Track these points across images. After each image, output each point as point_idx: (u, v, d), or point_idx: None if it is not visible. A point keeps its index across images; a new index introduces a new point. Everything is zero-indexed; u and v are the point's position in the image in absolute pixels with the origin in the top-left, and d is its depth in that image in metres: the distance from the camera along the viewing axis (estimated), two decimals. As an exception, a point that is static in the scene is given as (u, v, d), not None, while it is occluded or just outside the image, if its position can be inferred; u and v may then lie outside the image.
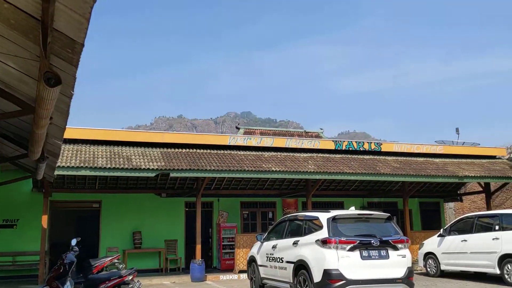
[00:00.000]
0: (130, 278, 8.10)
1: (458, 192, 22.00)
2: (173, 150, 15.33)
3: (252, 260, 11.67)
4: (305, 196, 16.85)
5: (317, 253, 8.61)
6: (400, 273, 8.54)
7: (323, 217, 9.03)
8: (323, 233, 8.68)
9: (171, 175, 13.72)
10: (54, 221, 16.73)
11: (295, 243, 9.48)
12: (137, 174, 13.39)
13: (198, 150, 15.66)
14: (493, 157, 20.13)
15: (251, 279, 11.66)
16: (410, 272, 8.66)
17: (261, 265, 11.04)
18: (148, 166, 13.35)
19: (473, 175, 17.10)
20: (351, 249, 8.38)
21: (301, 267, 9.02)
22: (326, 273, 8.26)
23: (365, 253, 8.45)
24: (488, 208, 18.74)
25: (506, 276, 11.63)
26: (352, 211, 9.75)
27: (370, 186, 19.46)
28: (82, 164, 12.78)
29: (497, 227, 12.24)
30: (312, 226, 9.31)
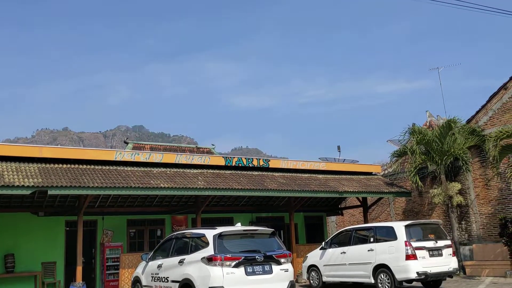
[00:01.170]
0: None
1: (339, 206, 23.39)
2: (52, 165, 14.32)
3: (136, 281, 11.33)
4: (195, 212, 16.73)
5: (202, 271, 8.62)
6: (282, 287, 8.87)
7: (209, 234, 9.06)
8: (209, 251, 8.73)
9: (49, 192, 12.77)
10: None
11: (181, 262, 9.37)
12: (9, 192, 12.24)
13: (80, 166, 14.80)
14: (370, 173, 21.76)
15: None
16: (292, 285, 9.06)
17: (145, 286, 10.77)
18: (22, 183, 12.29)
19: (351, 190, 18.29)
20: (236, 265, 8.53)
21: (186, 286, 8.97)
22: None
23: (249, 269, 8.63)
24: (365, 221, 20.15)
25: (380, 285, 12.51)
26: (238, 227, 9.89)
27: (258, 202, 19.90)
28: None
29: (372, 239, 13.17)
30: (199, 243, 9.29)
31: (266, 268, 8.82)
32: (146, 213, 17.92)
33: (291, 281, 9.07)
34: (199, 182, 15.49)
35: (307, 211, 21.80)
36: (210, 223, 18.25)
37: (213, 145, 26.44)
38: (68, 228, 16.41)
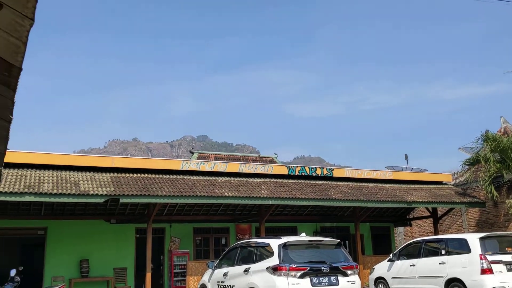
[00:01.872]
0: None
1: (408, 216, 22.59)
2: (123, 175, 14.98)
3: None
4: (259, 221, 16.81)
5: (267, 281, 8.59)
6: None
7: (274, 243, 9.03)
8: (274, 260, 8.69)
9: (121, 201, 13.36)
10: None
11: (246, 271, 9.40)
12: (84, 200, 12.96)
13: (149, 175, 15.37)
14: (440, 182, 20.87)
15: None
16: None
17: None
18: (96, 192, 12.96)
19: (420, 200, 17.62)
20: (302, 276, 8.43)
21: None
22: None
23: (315, 280, 8.50)
24: (436, 233, 19.31)
25: (452, 300, 11.91)
26: (303, 237, 9.82)
27: (322, 211, 19.67)
28: (26, 190, 12.25)
29: (443, 252, 12.58)
30: (264, 252, 9.29)
31: (332, 280, 8.65)
32: (211, 221, 18.25)
33: None
34: (263, 191, 15.56)
35: (373, 221, 21.24)
36: (273, 232, 18.26)
37: (275, 154, 26.45)
38: (138, 235, 17.03)
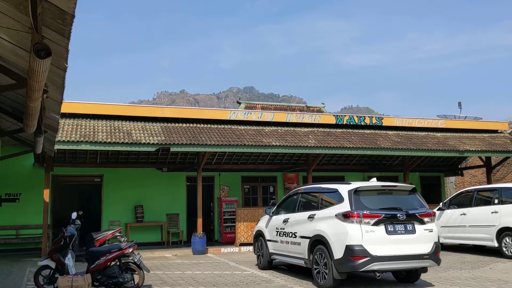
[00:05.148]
0: (130, 250, 8.18)
1: (459, 166, 22.02)
2: (173, 124, 15.33)
3: (259, 235, 11.03)
4: (306, 170, 16.90)
5: (337, 228, 8.01)
6: (427, 248, 8.02)
7: (343, 189, 8.40)
8: (344, 207, 8.06)
9: (172, 149, 13.74)
10: (57, 195, 16.90)
11: (310, 217, 8.85)
12: (137, 149, 13.42)
13: (198, 125, 15.65)
14: (495, 131, 20.06)
15: (258, 254, 11.05)
16: (437, 247, 8.15)
17: (269, 240, 10.46)
18: (148, 141, 13.36)
19: (474, 149, 17.07)
20: (376, 224, 7.82)
21: (318, 242, 8.43)
22: (349, 249, 7.70)
23: (390, 228, 7.89)
24: (489, 183, 18.77)
25: (504, 249, 11.74)
26: (375, 182, 9.02)
27: (371, 161, 19.49)
28: (82, 139, 12.80)
29: (496, 201, 12.29)
30: (330, 199, 8.71)
31: (408, 228, 8.01)
32: (259, 170, 18.52)
33: (435, 243, 8.15)
34: (310, 141, 15.53)
35: (423, 171, 20.87)
36: (320, 182, 18.31)
37: (323, 103, 26.14)
38: (188, 183, 17.60)
